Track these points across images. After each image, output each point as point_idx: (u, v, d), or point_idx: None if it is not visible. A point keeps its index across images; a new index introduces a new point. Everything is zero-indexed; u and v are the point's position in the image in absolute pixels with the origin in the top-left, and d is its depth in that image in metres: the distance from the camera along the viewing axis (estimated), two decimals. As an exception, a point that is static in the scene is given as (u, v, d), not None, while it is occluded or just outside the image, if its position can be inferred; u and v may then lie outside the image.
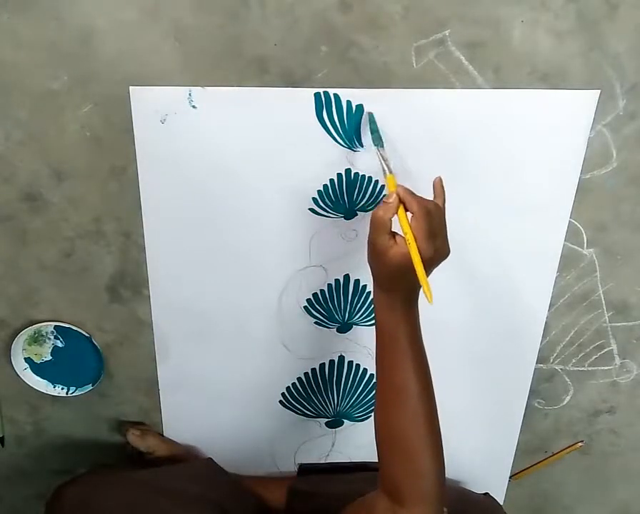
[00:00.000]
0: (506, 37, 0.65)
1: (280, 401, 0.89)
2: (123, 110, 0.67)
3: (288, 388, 0.88)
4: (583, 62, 0.66)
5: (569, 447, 0.95)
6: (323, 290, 0.80)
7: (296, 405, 0.90)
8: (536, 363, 0.86)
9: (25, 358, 0.85)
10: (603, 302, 0.82)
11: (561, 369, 0.87)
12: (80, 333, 0.82)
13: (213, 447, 0.93)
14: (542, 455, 0.96)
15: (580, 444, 0.94)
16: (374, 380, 0.86)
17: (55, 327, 0.82)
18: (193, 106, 0.68)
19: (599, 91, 0.68)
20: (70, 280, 0.79)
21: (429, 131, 0.70)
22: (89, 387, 0.86)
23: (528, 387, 0.88)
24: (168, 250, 0.77)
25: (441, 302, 0.81)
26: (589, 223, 0.77)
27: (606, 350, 0.86)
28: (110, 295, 0.80)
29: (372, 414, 0.90)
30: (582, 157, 0.72)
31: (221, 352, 0.84)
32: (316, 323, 0.83)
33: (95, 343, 0.83)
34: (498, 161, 0.72)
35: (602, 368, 0.87)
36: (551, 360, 0.87)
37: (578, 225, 0.77)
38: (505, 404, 0.90)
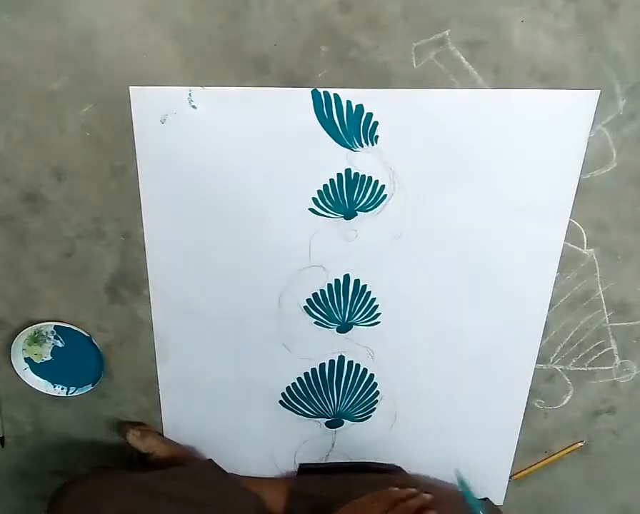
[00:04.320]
0: (506, 37, 0.65)
1: (280, 401, 0.89)
2: (123, 110, 0.67)
3: (288, 388, 0.88)
4: (583, 62, 0.66)
5: (569, 447, 0.95)
6: (323, 290, 0.80)
7: (296, 405, 0.90)
8: (536, 363, 0.86)
9: (25, 358, 0.85)
10: (603, 302, 0.82)
11: (561, 369, 0.87)
12: (80, 333, 0.82)
13: (213, 447, 0.93)
14: (542, 455, 0.96)
15: (580, 444, 0.94)
16: (374, 380, 0.87)
17: (55, 327, 0.82)
18: (193, 106, 0.68)
19: (599, 91, 0.68)
20: (70, 280, 0.79)
21: (429, 131, 0.70)
22: (89, 387, 0.86)
23: (528, 388, 0.88)
24: (168, 250, 0.77)
25: (441, 302, 0.81)
26: (589, 223, 0.77)
27: (606, 350, 0.86)
28: (110, 295, 0.80)
29: (372, 414, 0.90)
30: (582, 157, 0.72)
31: (221, 352, 0.84)
32: (316, 322, 0.83)
33: (95, 343, 0.83)
34: (498, 161, 0.72)
35: (602, 368, 0.87)
36: (551, 360, 0.87)
37: (578, 225, 0.76)
38: (505, 404, 0.90)
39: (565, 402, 0.90)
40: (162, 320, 0.82)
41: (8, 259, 0.77)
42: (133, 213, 0.74)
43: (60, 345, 0.84)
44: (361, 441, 0.93)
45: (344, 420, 0.91)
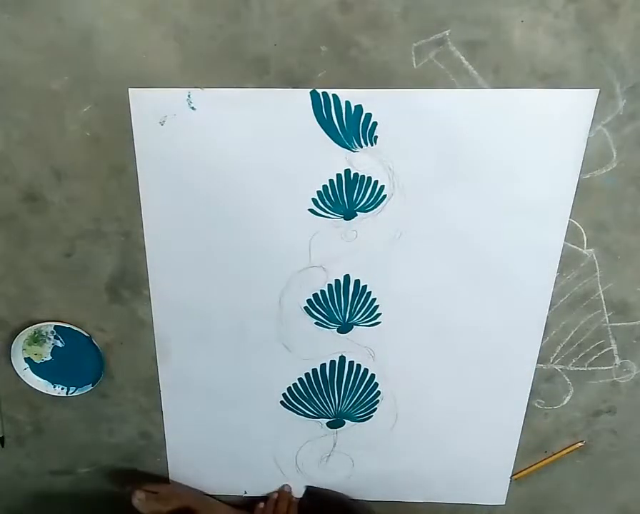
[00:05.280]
0: (506, 37, 0.65)
1: (281, 402, 0.89)
2: (123, 110, 0.67)
3: (289, 389, 0.88)
4: (583, 62, 0.66)
5: (569, 447, 0.95)
6: (323, 290, 0.80)
7: (297, 405, 0.90)
8: (536, 363, 0.86)
9: (25, 358, 0.85)
10: (603, 302, 0.82)
11: (561, 369, 0.87)
12: (80, 333, 0.82)
13: (214, 448, 0.93)
14: (542, 455, 0.96)
15: (580, 444, 0.94)
16: (375, 380, 0.87)
17: (55, 327, 0.82)
18: (192, 108, 0.68)
19: (598, 90, 0.68)
20: (70, 280, 0.79)
21: (429, 131, 0.70)
22: (89, 387, 0.86)
23: (528, 388, 0.88)
24: (168, 250, 0.77)
25: (441, 302, 0.81)
26: (589, 223, 0.77)
27: (606, 350, 0.86)
28: (110, 295, 0.80)
29: (373, 414, 0.90)
30: (582, 157, 0.72)
31: (222, 352, 0.84)
32: (316, 323, 0.83)
33: (95, 343, 0.83)
34: (498, 161, 0.72)
35: (602, 368, 0.87)
36: (551, 360, 0.87)
37: (578, 225, 0.76)
38: (506, 404, 0.90)
39: (565, 402, 0.90)
40: (162, 320, 0.82)
41: (8, 259, 0.77)
42: (133, 213, 0.74)
43: (60, 345, 0.84)
44: (362, 441, 0.93)
45: (345, 420, 0.91)
